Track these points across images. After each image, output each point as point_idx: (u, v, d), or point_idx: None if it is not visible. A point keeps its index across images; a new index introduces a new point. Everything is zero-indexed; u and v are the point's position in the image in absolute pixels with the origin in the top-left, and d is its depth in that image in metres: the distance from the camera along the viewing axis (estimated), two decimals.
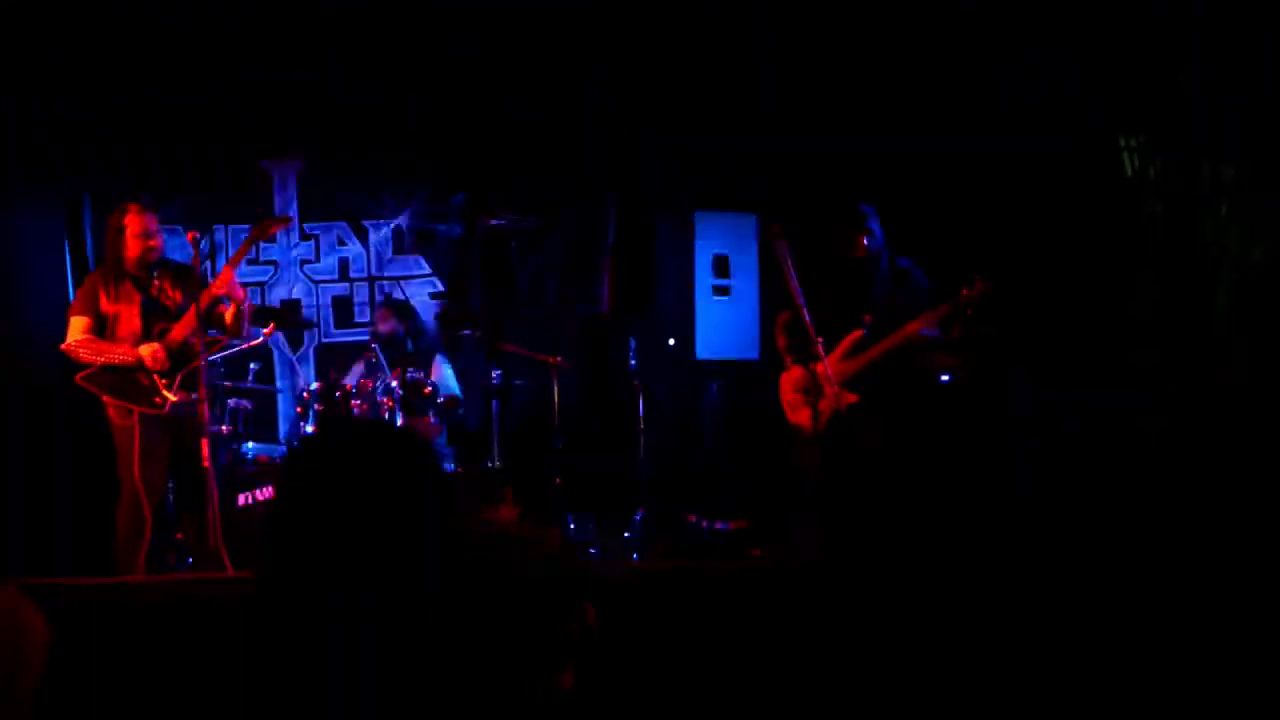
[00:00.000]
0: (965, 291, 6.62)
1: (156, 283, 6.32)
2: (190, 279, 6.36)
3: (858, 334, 6.71)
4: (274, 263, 8.33)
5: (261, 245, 8.23)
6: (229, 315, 6.35)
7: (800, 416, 6.98)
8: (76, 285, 7.92)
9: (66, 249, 8.02)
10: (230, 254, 8.14)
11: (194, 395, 6.15)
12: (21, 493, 7.46)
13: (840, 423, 6.65)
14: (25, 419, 7.77)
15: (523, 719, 2.01)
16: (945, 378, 7.31)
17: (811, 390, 6.83)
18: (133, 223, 6.30)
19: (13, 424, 7.70)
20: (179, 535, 6.91)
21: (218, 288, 6.23)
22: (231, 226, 8.22)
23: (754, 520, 7.66)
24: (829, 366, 6.73)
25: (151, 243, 6.28)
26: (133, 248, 6.27)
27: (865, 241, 6.87)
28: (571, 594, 2.24)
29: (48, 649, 2.85)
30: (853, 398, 6.61)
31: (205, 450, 6.09)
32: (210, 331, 6.38)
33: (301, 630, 1.93)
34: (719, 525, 7.48)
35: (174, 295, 6.34)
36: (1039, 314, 7.92)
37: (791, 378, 7.05)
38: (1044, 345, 7.73)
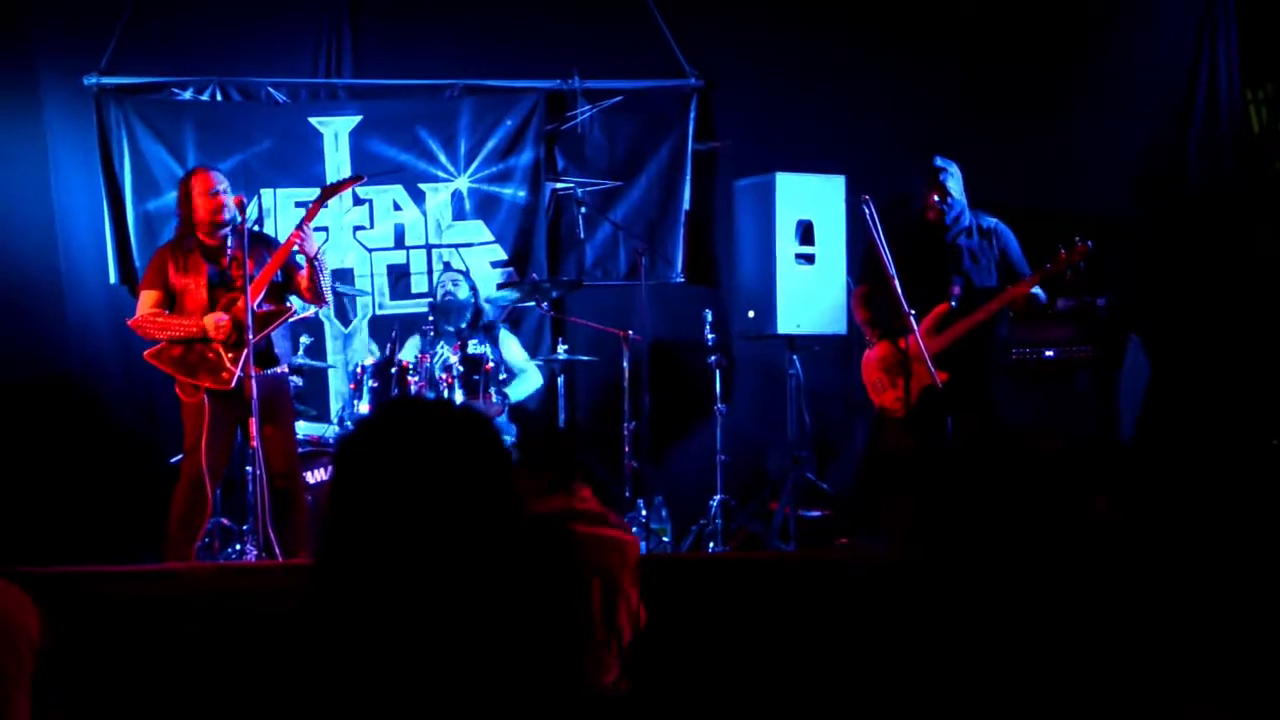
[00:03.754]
0: (1064, 255, 6.57)
1: (230, 252, 6.42)
2: (264, 244, 6.50)
3: (944, 307, 6.67)
4: (325, 228, 8.39)
5: None
6: (305, 279, 6.47)
7: (885, 398, 6.95)
8: (113, 220, 8.10)
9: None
10: (278, 221, 8.23)
11: (264, 370, 6.28)
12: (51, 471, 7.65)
13: (931, 402, 6.63)
14: (54, 395, 7.97)
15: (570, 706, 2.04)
16: (1050, 353, 7.26)
17: (898, 368, 6.82)
18: (199, 181, 6.45)
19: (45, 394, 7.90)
20: (226, 521, 7.06)
21: (292, 241, 6.37)
22: (279, 190, 8.29)
23: (841, 508, 7.65)
24: (922, 342, 6.73)
25: (219, 200, 6.40)
26: (202, 208, 6.41)
27: (935, 199, 6.83)
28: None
29: (39, 635, 2.92)
30: (943, 375, 6.58)
31: (253, 429, 6.21)
32: (288, 298, 6.52)
33: (361, 619, 1.96)
34: (803, 513, 7.47)
35: (246, 265, 6.45)
36: (1154, 282, 7.86)
37: (875, 356, 7.02)
38: (1164, 311, 7.67)
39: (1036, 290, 6.68)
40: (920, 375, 6.58)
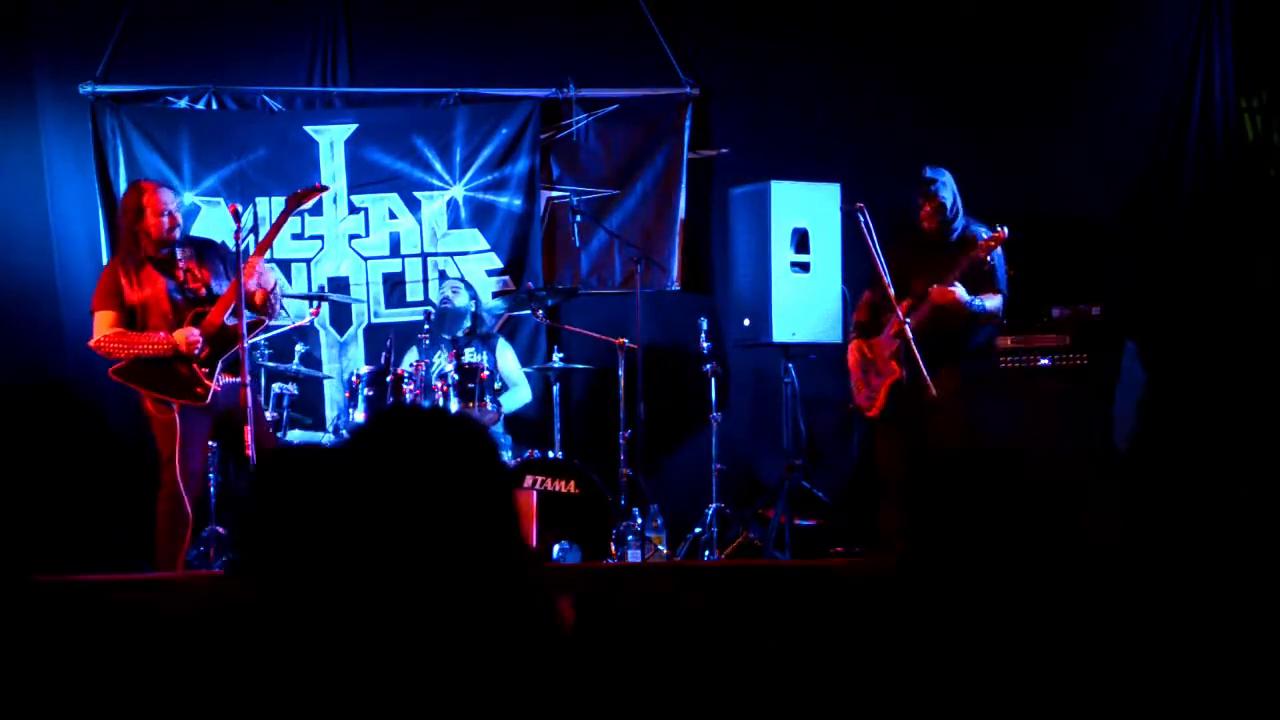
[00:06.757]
0: (980, 244, 6.61)
1: (181, 264, 6.41)
2: (217, 252, 6.47)
3: (905, 305, 6.67)
4: (320, 237, 8.40)
5: (307, 218, 8.29)
6: (259, 298, 6.45)
7: (858, 398, 7.05)
8: (109, 229, 8.10)
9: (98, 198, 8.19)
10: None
11: (234, 379, 6.26)
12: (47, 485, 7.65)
13: (899, 400, 6.69)
14: (50, 404, 7.97)
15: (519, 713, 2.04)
16: (1045, 361, 7.27)
17: (866, 366, 6.94)
18: (152, 201, 6.40)
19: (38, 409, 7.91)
20: (220, 529, 7.06)
21: (246, 277, 6.29)
22: (274, 198, 8.29)
23: (836, 516, 7.65)
24: (883, 343, 6.79)
25: (174, 219, 6.39)
26: (155, 226, 6.37)
27: (929, 210, 6.87)
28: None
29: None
30: (899, 372, 6.66)
31: (248, 438, 6.20)
32: (249, 313, 6.51)
33: (360, 627, 1.97)
34: (799, 521, 7.48)
35: (202, 275, 6.43)
36: (1149, 289, 7.88)
37: (850, 357, 7.12)
38: (1158, 319, 7.68)
39: (961, 294, 6.66)
40: (886, 375, 6.79)
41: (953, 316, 6.69)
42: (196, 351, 6.26)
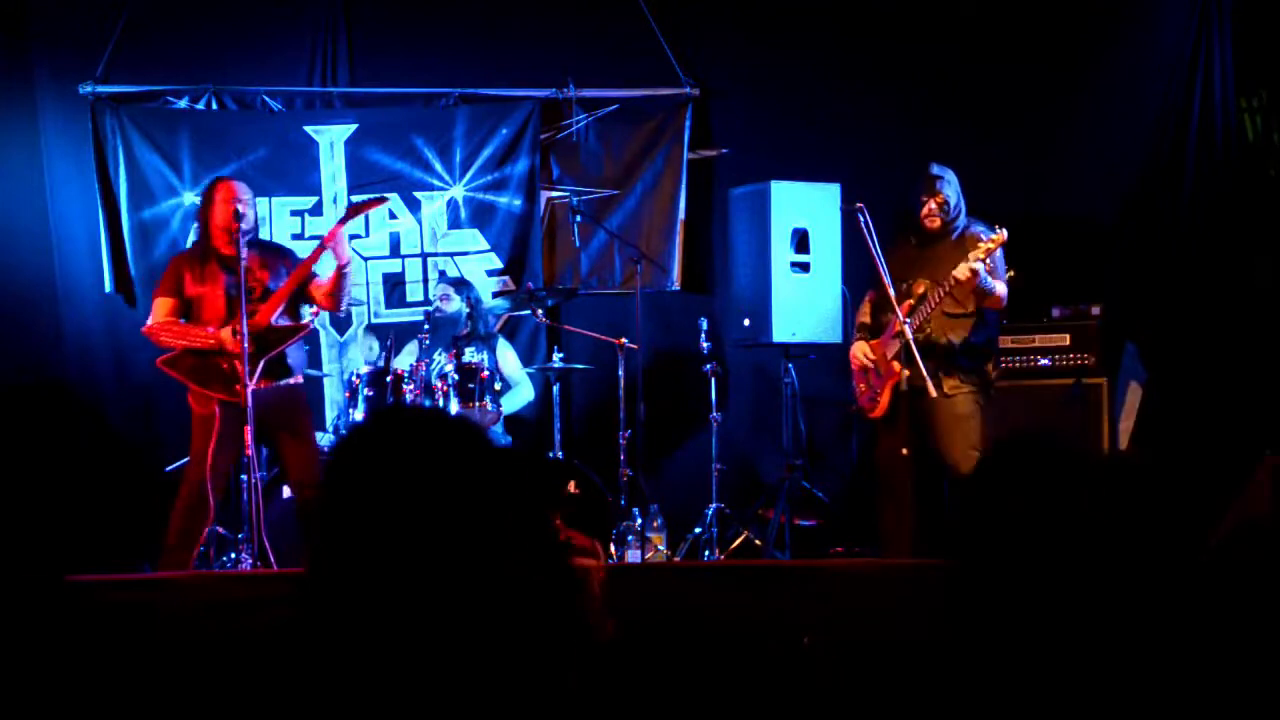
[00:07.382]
0: (983, 246, 6.60)
1: (244, 263, 6.43)
2: (281, 256, 6.53)
3: (906, 306, 6.66)
4: (319, 237, 8.39)
5: (307, 218, 8.30)
6: (328, 285, 6.52)
7: (862, 399, 7.03)
8: (109, 229, 8.12)
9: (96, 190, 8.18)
10: (273, 229, 8.24)
11: (277, 382, 6.31)
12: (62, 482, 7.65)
13: (903, 402, 6.68)
14: (50, 404, 7.97)
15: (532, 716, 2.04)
16: (1045, 361, 7.28)
17: (870, 366, 6.93)
18: (223, 188, 6.51)
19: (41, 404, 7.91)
20: (221, 529, 7.07)
21: (327, 241, 6.48)
22: (275, 198, 8.30)
23: (836, 516, 7.65)
24: (884, 344, 6.78)
25: (237, 208, 6.38)
26: (220, 214, 6.42)
27: (934, 207, 6.82)
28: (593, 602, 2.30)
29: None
30: (899, 374, 6.66)
31: (247, 438, 6.23)
32: (302, 310, 6.61)
33: (350, 628, 1.97)
34: (799, 521, 7.48)
35: (261, 276, 6.47)
36: (1150, 290, 7.88)
37: (853, 358, 7.10)
38: (1158, 319, 7.68)
39: (981, 270, 6.62)
40: (887, 376, 6.73)
41: (950, 321, 6.67)
42: (240, 349, 6.29)
